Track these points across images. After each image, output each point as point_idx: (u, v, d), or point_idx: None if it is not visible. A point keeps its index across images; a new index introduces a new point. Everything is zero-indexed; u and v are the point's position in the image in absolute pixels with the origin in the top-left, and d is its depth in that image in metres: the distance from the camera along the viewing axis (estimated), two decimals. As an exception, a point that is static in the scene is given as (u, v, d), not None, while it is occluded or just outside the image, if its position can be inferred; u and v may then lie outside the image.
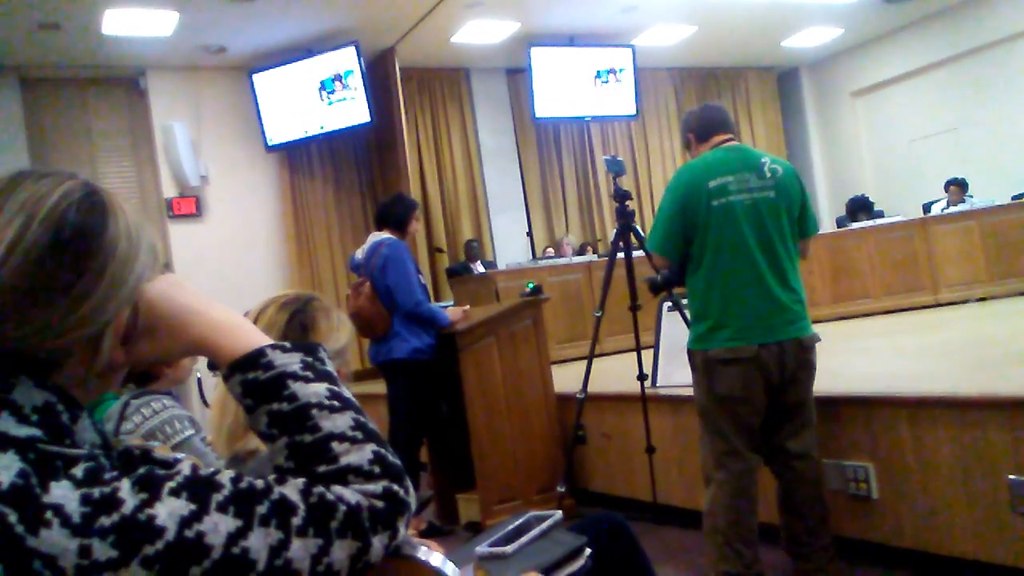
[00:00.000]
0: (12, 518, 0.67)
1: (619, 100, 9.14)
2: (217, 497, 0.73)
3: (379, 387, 4.66)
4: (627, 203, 3.97)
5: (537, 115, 8.82)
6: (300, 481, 0.77)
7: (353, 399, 0.86)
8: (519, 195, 9.36)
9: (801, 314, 2.79)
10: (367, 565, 0.78)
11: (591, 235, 9.74)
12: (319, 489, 0.77)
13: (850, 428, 3.05)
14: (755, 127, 10.86)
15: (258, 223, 7.90)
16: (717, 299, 2.76)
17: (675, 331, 3.89)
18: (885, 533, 2.97)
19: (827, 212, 10.39)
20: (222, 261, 7.42)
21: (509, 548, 1.56)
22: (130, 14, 6.33)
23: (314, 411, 0.81)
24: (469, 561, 1.52)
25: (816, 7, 8.85)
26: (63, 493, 0.69)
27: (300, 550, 0.74)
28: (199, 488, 0.73)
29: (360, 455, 0.80)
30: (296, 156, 8.09)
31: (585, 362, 4.07)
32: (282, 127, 7.72)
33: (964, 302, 7.14)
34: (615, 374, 4.71)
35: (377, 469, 0.80)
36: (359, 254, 4.39)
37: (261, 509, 0.74)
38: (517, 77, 9.19)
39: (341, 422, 0.81)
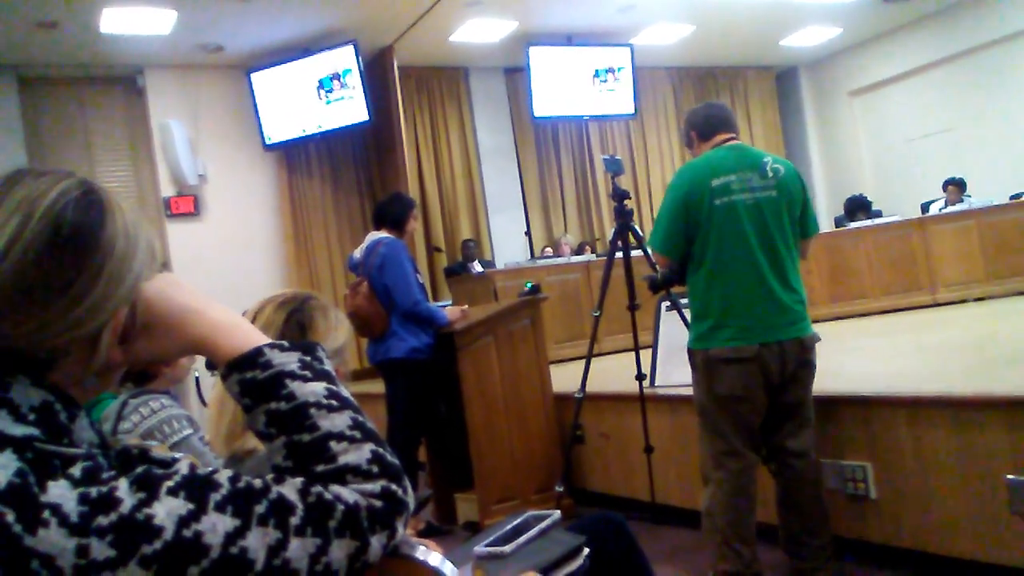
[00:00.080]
0: (10, 517, 0.66)
1: (618, 99, 9.12)
2: (215, 496, 0.73)
3: (377, 387, 4.65)
4: (625, 202, 3.96)
5: (536, 114, 8.81)
6: (298, 480, 0.77)
7: (351, 398, 0.86)
8: (517, 194, 9.35)
9: (802, 314, 2.79)
10: (365, 565, 0.77)
11: (589, 234, 9.73)
12: (317, 488, 0.77)
13: (848, 428, 3.05)
14: (753, 126, 10.86)
15: (256, 222, 7.88)
16: (718, 298, 2.76)
17: (673, 331, 3.89)
18: (883, 533, 2.97)
19: (825, 211, 10.38)
20: (220, 260, 7.39)
21: (507, 548, 1.56)
22: (128, 13, 6.32)
23: (312, 410, 0.81)
24: (467, 561, 1.51)
25: (815, 6, 8.84)
26: (61, 492, 0.69)
27: (298, 549, 0.74)
28: (197, 487, 0.73)
29: (358, 454, 0.80)
30: (294, 155, 8.07)
31: (583, 362, 4.08)
32: (280, 126, 7.70)
33: (962, 302, 7.13)
34: (613, 374, 4.71)
35: (375, 469, 0.80)
36: (357, 253, 4.39)
37: (259, 508, 0.74)
38: (516, 76, 9.17)
39: (339, 421, 0.81)
